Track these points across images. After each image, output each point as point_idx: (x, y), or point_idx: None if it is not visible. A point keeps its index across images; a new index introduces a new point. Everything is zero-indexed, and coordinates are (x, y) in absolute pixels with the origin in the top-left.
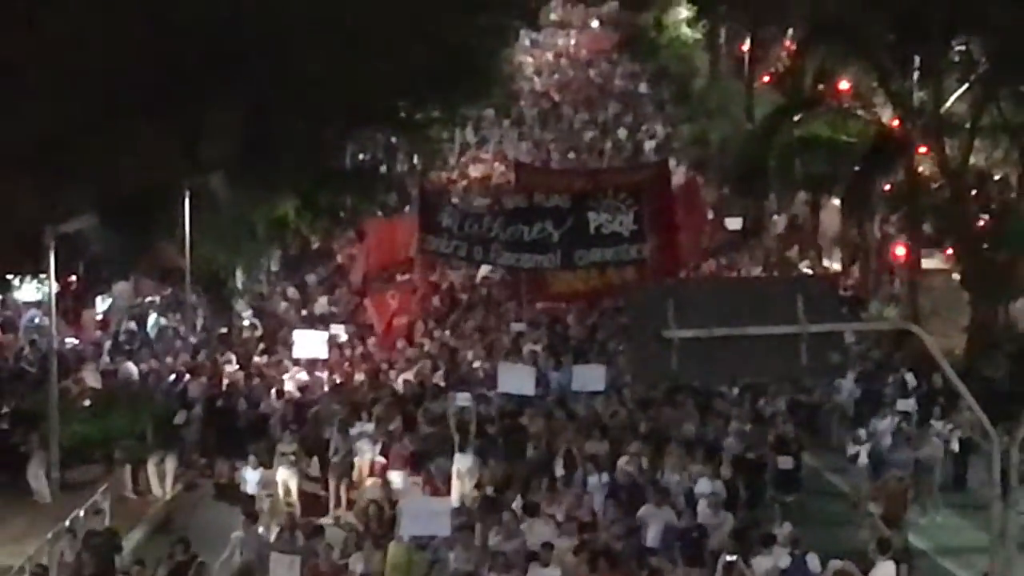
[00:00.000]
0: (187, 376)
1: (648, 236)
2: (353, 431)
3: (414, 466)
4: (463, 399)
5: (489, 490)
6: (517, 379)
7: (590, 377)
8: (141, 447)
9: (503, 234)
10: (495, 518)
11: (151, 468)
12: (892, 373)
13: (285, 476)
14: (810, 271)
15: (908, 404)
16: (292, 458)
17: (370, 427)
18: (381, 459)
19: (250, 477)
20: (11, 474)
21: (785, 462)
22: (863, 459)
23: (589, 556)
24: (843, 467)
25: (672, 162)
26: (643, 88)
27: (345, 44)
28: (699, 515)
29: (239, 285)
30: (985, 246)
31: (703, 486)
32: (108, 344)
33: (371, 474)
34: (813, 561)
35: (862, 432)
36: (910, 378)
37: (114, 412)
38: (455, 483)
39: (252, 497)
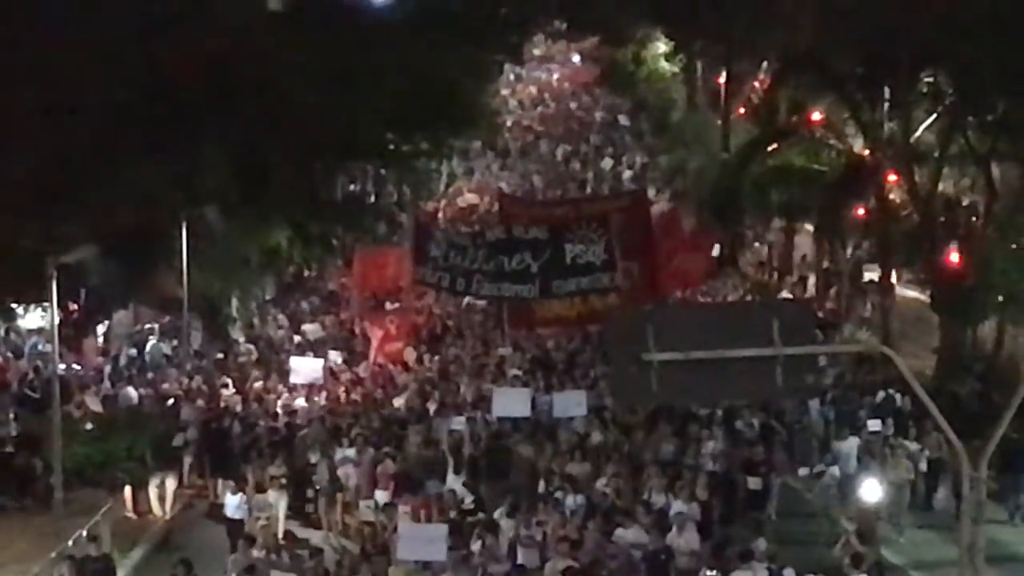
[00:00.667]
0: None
1: (618, 264)
2: (337, 456)
3: (404, 488)
4: (457, 422)
5: (453, 514)
6: (512, 402)
7: (571, 403)
8: (141, 469)
9: (485, 265)
10: (481, 538)
11: (151, 489)
12: (866, 395)
13: (275, 498)
14: (790, 296)
15: (877, 424)
16: (283, 481)
17: (352, 452)
18: (367, 481)
19: (230, 501)
20: (16, 495)
21: (754, 483)
22: (833, 478)
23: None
24: (815, 487)
25: (652, 191)
26: (623, 120)
27: (334, 80)
28: (669, 535)
29: (234, 312)
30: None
31: (677, 507)
32: (108, 370)
33: (359, 497)
34: (790, 574)
35: (831, 453)
36: (898, 398)
37: (115, 435)
38: (448, 503)
39: (235, 521)
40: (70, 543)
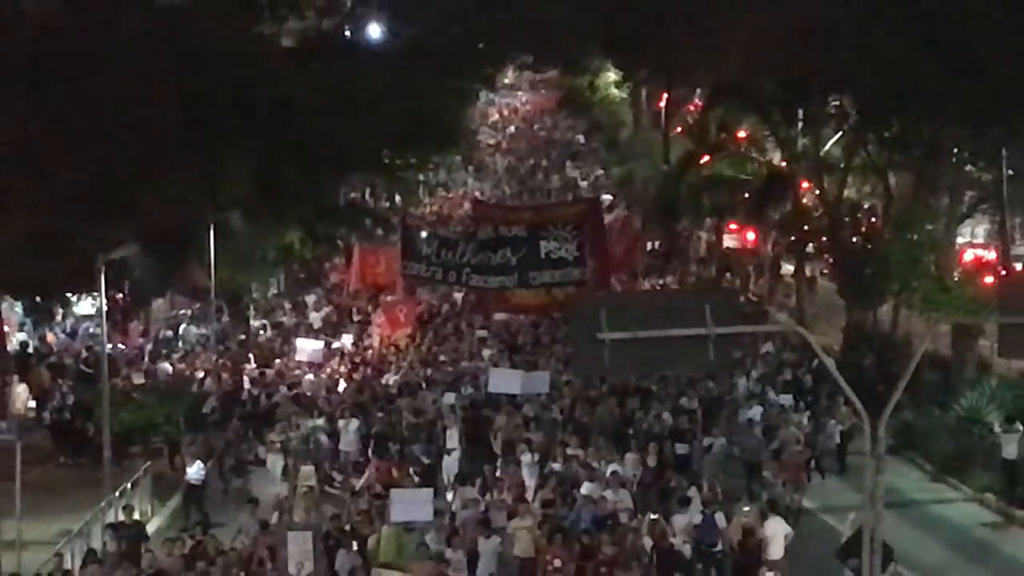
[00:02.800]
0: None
1: (588, 261)
2: (309, 425)
3: (381, 452)
4: (448, 398)
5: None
6: (505, 381)
7: (536, 381)
8: (176, 432)
9: (473, 259)
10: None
11: (184, 449)
12: (781, 373)
13: (272, 461)
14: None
15: (787, 399)
16: (278, 446)
17: (321, 421)
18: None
19: (190, 469)
20: (72, 454)
21: (681, 448)
22: (716, 448)
23: (548, 531)
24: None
25: (607, 198)
26: (580, 138)
27: (338, 105)
28: (608, 493)
29: (254, 300)
30: (857, 263)
31: (613, 468)
32: (149, 348)
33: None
34: (720, 518)
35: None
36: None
37: (154, 403)
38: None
39: (194, 486)
40: (116, 493)
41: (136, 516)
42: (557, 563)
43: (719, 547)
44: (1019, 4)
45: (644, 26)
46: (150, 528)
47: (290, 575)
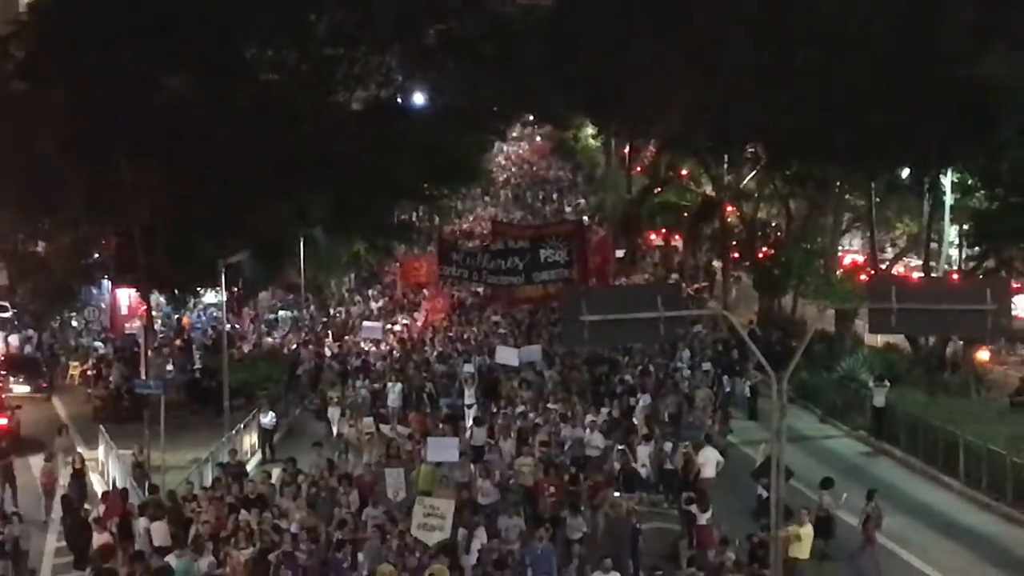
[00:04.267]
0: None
1: (574, 264)
2: (359, 385)
3: (418, 408)
4: (468, 367)
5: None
6: (506, 355)
7: (531, 353)
8: (278, 387)
9: (490, 265)
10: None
11: (259, 401)
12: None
13: (332, 414)
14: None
15: (708, 365)
16: (335, 400)
17: (366, 385)
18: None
19: (263, 418)
20: (200, 402)
21: (633, 400)
22: (642, 403)
23: (543, 467)
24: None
25: (585, 219)
26: (566, 175)
27: (392, 152)
28: (585, 434)
29: (332, 293)
30: (766, 265)
31: (589, 418)
32: (255, 328)
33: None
34: (671, 447)
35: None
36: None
37: (260, 367)
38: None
39: (266, 431)
40: (233, 432)
41: (246, 451)
42: (552, 490)
43: (672, 466)
44: (879, 72)
45: (612, 96)
46: (254, 461)
47: (389, 499)
